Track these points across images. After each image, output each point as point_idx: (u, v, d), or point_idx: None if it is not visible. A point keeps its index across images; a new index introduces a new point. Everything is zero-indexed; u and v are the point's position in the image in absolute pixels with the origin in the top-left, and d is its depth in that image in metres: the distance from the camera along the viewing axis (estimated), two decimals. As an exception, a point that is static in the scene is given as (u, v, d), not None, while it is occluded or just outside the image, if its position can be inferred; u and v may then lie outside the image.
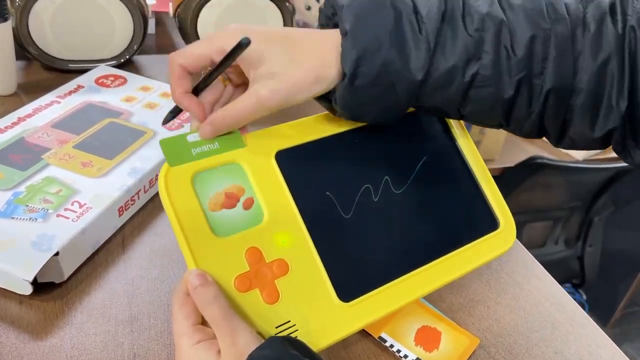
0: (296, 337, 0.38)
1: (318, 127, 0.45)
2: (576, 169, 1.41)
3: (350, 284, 0.41)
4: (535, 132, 0.44)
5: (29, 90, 0.74)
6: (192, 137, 0.40)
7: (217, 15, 0.82)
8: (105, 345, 0.44)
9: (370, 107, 0.42)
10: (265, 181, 0.41)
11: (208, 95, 0.43)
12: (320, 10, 0.44)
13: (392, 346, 0.47)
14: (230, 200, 0.40)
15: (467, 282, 0.55)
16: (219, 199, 0.39)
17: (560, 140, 0.44)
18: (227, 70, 0.41)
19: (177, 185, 0.38)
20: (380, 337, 0.47)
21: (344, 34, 0.40)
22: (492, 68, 0.40)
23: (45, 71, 0.79)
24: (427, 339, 0.48)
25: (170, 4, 0.87)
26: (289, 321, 0.38)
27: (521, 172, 1.41)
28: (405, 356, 0.46)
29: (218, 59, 0.40)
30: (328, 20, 0.44)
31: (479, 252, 0.47)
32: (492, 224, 0.49)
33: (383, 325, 0.48)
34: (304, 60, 0.40)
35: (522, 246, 0.61)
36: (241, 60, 0.40)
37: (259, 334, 0.36)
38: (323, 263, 0.40)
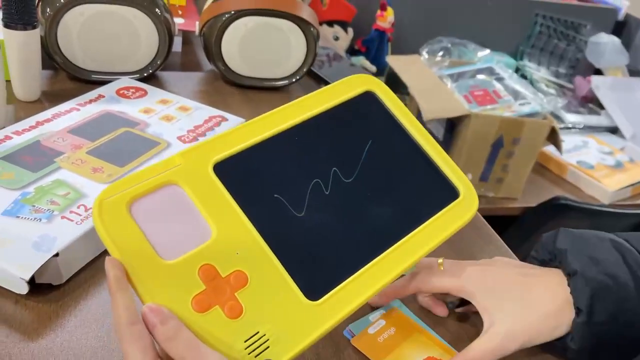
0: (268, 346, 0.36)
1: (252, 131, 0.44)
2: (602, 213, 1.37)
3: (316, 282, 0.40)
4: None
5: (52, 98, 0.75)
6: None
7: (241, 36, 0.83)
8: (95, 352, 0.43)
9: (609, 346, 0.43)
10: (208, 196, 0.40)
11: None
12: (536, 252, 0.50)
13: (392, 375, 0.44)
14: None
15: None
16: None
17: None
18: None
19: (114, 216, 0.37)
20: (380, 365, 0.45)
21: (573, 274, 0.44)
22: None
23: (70, 81, 0.81)
24: (430, 370, 0.45)
25: (197, 23, 0.89)
26: (258, 332, 0.36)
27: (543, 213, 1.38)
28: (406, 386, 0.44)
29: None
30: (544, 264, 0.49)
31: (443, 224, 0.45)
32: (451, 194, 0.47)
33: (385, 354, 0.46)
34: (538, 306, 0.45)
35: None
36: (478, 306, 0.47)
37: (229, 351, 0.35)
38: (284, 266, 0.39)
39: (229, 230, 0.39)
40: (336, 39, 1.65)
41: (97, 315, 0.46)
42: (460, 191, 0.47)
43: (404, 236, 0.44)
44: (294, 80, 0.88)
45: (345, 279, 0.40)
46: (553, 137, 1.29)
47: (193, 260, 0.37)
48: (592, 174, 1.45)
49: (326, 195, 0.43)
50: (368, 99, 0.49)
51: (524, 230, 1.44)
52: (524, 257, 0.48)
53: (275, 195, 0.41)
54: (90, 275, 0.50)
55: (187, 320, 0.35)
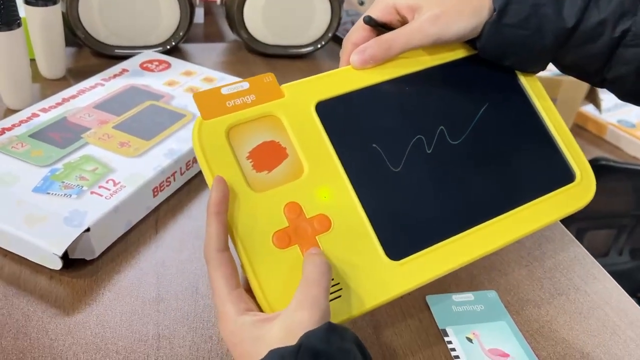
0: (339, 296, 0.35)
1: (363, 75, 0.42)
2: (645, 173, 1.31)
3: (400, 241, 0.38)
4: None
5: (77, 74, 0.75)
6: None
7: (263, 3, 0.81)
8: (131, 324, 0.43)
9: (514, 50, 0.42)
10: (305, 133, 0.39)
11: None
12: None
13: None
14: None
15: (516, 279, 0.51)
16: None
17: None
18: None
19: (211, 138, 0.37)
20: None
21: None
22: None
23: (94, 57, 0.80)
24: (469, 337, 0.44)
25: (218, -9, 0.87)
26: (332, 279, 0.35)
27: (582, 175, 1.33)
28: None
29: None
30: None
31: (551, 207, 0.42)
32: (566, 176, 0.44)
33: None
34: None
35: (580, 245, 0.55)
36: (404, 9, 0.43)
37: None
38: (369, 219, 0.38)
39: (321, 173, 0.38)
40: (361, 3, 1.61)
41: (130, 288, 0.46)
42: (577, 175, 0.44)
43: (505, 211, 0.41)
44: (319, 46, 0.86)
45: (433, 244, 0.38)
46: (592, 96, 1.24)
47: (281, 196, 0.37)
48: (633, 132, 1.39)
49: (428, 154, 0.41)
50: None
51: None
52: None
53: (374, 145, 0.40)
54: (123, 249, 0.50)
55: (265, 253, 0.35)
